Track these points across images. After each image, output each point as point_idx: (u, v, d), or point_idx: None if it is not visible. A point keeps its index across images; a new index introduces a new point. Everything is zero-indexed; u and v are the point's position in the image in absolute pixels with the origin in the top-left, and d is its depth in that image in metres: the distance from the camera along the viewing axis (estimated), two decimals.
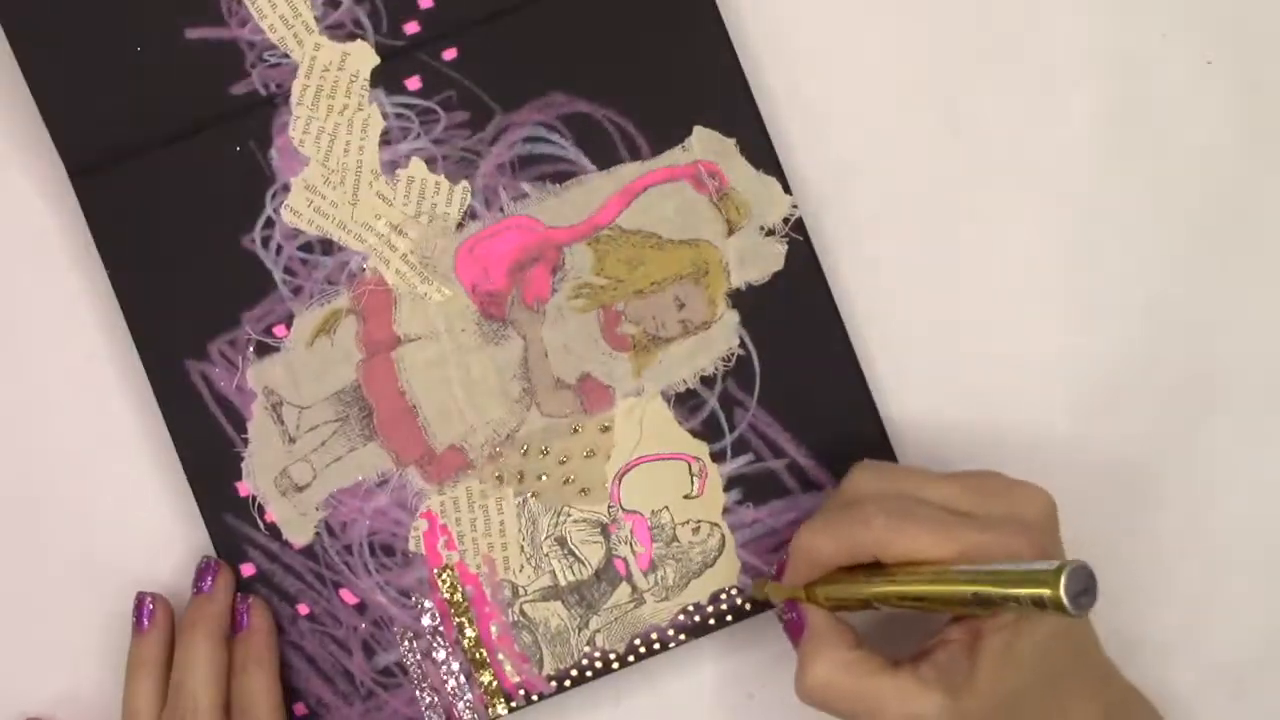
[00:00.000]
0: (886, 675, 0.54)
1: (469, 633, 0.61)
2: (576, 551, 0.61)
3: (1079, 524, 0.58)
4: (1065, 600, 0.48)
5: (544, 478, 0.61)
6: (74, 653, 0.62)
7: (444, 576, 0.61)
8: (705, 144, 0.61)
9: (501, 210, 0.61)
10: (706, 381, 0.61)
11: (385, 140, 0.61)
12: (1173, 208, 0.62)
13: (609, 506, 0.61)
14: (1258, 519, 0.62)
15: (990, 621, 0.53)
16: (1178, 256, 0.62)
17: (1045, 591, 0.48)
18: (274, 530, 0.61)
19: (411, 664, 0.61)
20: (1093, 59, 0.62)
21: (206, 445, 0.61)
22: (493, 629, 0.61)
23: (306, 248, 0.61)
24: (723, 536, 0.61)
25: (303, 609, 0.61)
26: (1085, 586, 0.48)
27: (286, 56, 0.61)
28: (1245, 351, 0.62)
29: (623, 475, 0.61)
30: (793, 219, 0.61)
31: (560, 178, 0.61)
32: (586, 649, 0.61)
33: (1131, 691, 0.58)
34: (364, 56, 0.61)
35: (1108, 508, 0.62)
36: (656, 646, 0.61)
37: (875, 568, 0.54)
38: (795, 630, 0.57)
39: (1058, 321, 0.62)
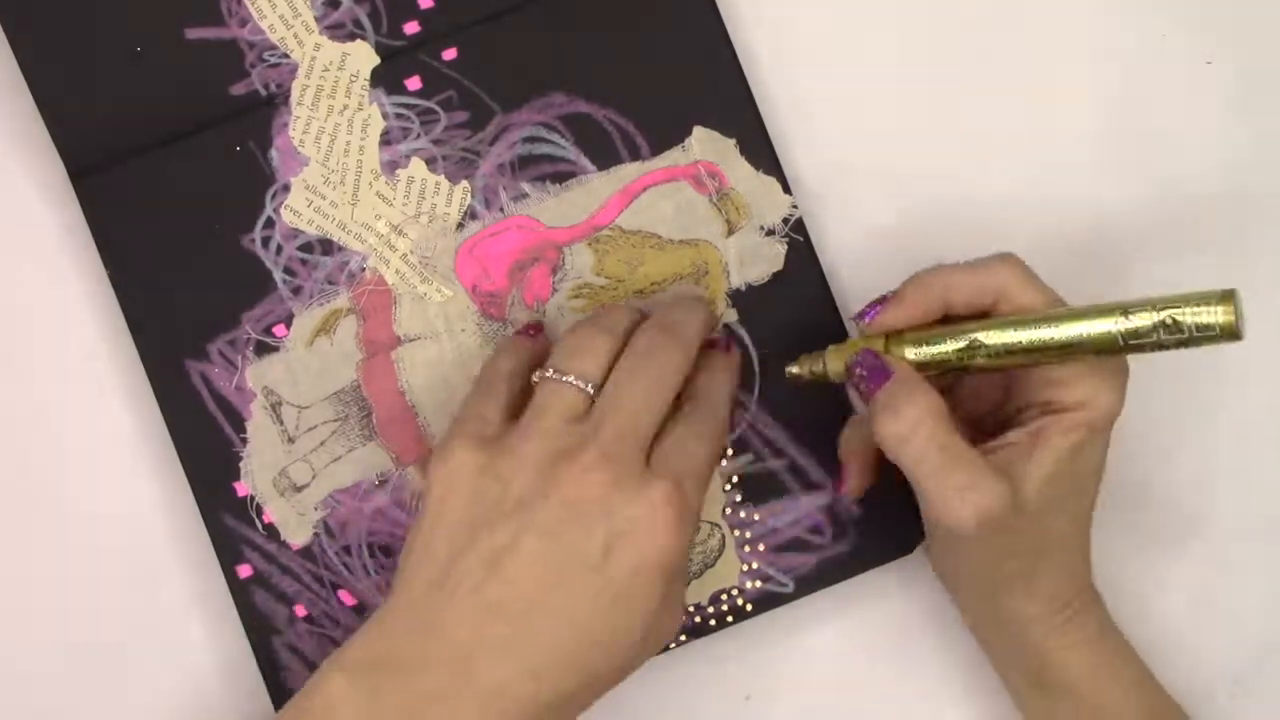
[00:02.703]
0: (967, 444, 0.53)
1: None
2: None
3: None
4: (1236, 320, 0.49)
5: None
6: (73, 651, 0.62)
7: None
8: (705, 144, 0.61)
9: (501, 210, 0.61)
10: None
11: (385, 140, 0.61)
12: (1172, 208, 0.63)
13: None
14: (1258, 519, 0.62)
15: (1055, 424, 0.53)
16: (1178, 256, 0.62)
17: (1220, 313, 0.50)
18: (272, 531, 0.61)
19: None
20: (1093, 59, 0.63)
21: (205, 445, 0.61)
22: None
23: (306, 248, 0.61)
24: (723, 537, 0.61)
25: (300, 610, 0.61)
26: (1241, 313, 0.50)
27: (286, 56, 0.61)
28: (1246, 351, 0.62)
29: None
30: (792, 219, 0.61)
31: (560, 178, 0.61)
32: None
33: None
34: (364, 56, 0.61)
35: (1108, 507, 0.62)
36: None
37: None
38: (877, 378, 0.54)
39: None
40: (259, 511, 0.61)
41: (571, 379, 0.54)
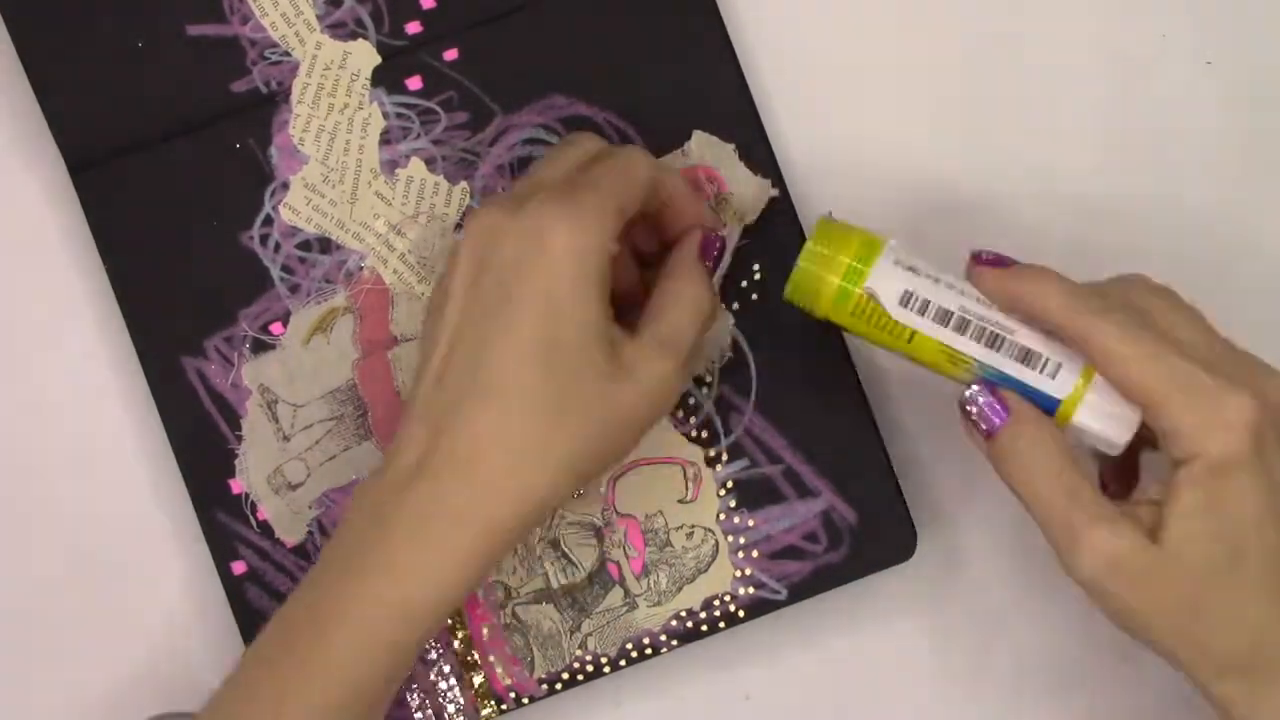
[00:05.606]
0: (1096, 490, 0.51)
1: (460, 634, 0.60)
2: (570, 554, 0.60)
3: None
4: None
5: None
6: (69, 650, 0.62)
7: None
8: (704, 148, 0.60)
9: None
10: (703, 385, 0.60)
11: (385, 140, 0.61)
12: (1172, 208, 0.62)
13: (603, 510, 0.61)
14: None
15: (1184, 476, 0.50)
16: (1178, 256, 0.62)
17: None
18: (266, 528, 0.61)
19: None
20: (1093, 59, 0.62)
21: (201, 442, 0.61)
22: (484, 631, 0.60)
23: (304, 246, 0.61)
24: (716, 542, 0.60)
25: None
26: None
27: (288, 54, 0.61)
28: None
29: (617, 479, 0.61)
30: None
31: None
32: (578, 652, 0.60)
33: None
34: (365, 56, 0.61)
35: None
36: (649, 651, 0.60)
37: None
38: (995, 418, 0.52)
39: None
40: (253, 509, 0.61)
41: None
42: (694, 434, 0.60)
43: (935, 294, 0.53)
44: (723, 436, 0.60)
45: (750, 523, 0.60)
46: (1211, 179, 0.62)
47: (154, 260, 0.61)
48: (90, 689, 0.62)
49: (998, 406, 0.52)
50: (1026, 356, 0.52)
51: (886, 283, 0.53)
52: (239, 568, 0.61)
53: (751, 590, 0.60)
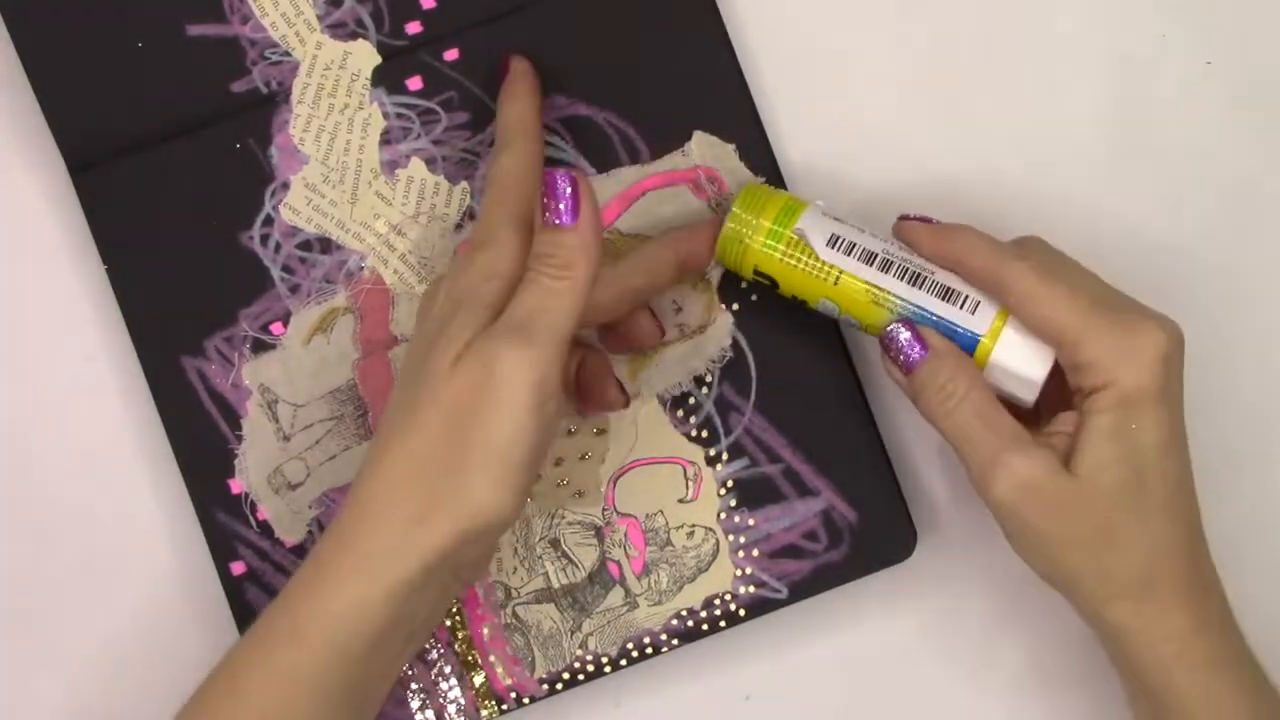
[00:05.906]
0: (1010, 417, 0.54)
1: (461, 634, 0.60)
2: (570, 554, 0.60)
3: None
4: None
5: (539, 479, 0.61)
6: (69, 649, 0.62)
7: None
8: (704, 149, 0.61)
9: None
10: (703, 385, 0.60)
11: (385, 140, 0.61)
12: (1172, 208, 0.62)
13: (603, 509, 0.61)
14: (1258, 519, 0.61)
15: (1093, 404, 0.53)
16: (1177, 256, 0.62)
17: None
18: (266, 528, 0.61)
19: None
20: (1093, 59, 0.62)
21: (201, 442, 0.61)
22: (485, 631, 0.60)
23: (305, 246, 0.61)
24: (717, 542, 0.60)
25: None
26: None
27: (288, 54, 0.61)
28: (1245, 352, 0.62)
29: (618, 478, 0.61)
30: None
31: None
32: (579, 652, 0.60)
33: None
34: (365, 56, 0.61)
35: None
36: (649, 651, 0.60)
37: None
38: (916, 354, 0.55)
39: None
40: (253, 509, 0.61)
41: None
42: (694, 433, 0.60)
43: (860, 239, 0.56)
44: (723, 436, 0.61)
45: (750, 522, 0.60)
46: (1211, 179, 0.62)
47: (154, 260, 0.61)
48: (88, 688, 0.62)
49: (917, 342, 0.55)
50: (947, 294, 0.55)
51: (815, 226, 0.56)
52: (238, 568, 0.61)
53: (752, 589, 0.60)
